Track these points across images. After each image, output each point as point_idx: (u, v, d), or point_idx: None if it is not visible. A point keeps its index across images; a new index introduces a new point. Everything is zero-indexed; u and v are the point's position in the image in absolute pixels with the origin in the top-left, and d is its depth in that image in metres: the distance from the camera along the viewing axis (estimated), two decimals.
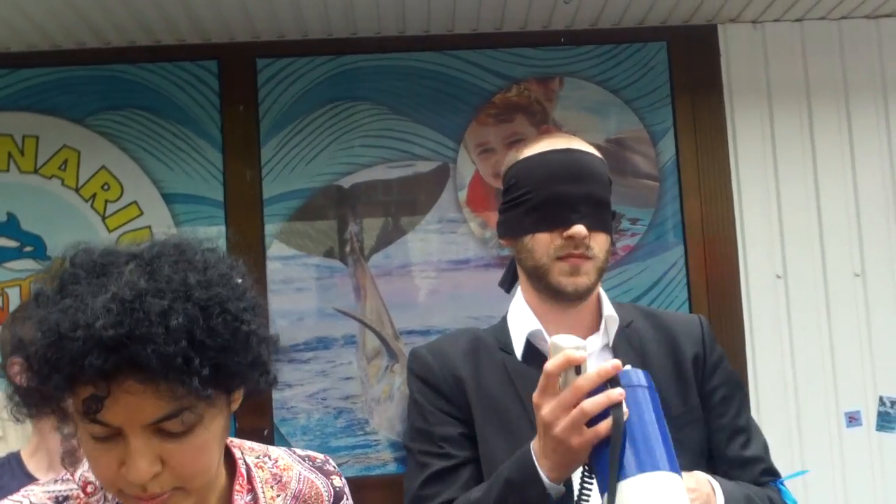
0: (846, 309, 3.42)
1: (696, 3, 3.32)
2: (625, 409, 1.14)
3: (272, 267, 3.34)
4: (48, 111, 3.35)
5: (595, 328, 1.54)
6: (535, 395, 1.23)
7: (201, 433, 1.00)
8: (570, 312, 1.52)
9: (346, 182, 3.41)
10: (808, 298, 3.42)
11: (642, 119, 3.48)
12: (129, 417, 0.95)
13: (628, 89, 3.49)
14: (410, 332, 3.35)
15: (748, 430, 1.54)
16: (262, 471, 1.21)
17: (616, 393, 1.15)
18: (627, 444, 1.13)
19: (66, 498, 1.09)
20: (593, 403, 1.16)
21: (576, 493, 1.20)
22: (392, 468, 3.30)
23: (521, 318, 1.55)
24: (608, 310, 1.54)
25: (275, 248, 3.36)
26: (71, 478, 1.11)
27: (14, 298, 3.25)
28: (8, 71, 3.35)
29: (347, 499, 1.28)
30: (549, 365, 1.20)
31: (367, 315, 3.36)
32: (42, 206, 3.31)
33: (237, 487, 1.15)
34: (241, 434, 1.28)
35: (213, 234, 3.24)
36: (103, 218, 3.34)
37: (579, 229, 1.45)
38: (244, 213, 3.35)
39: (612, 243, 1.56)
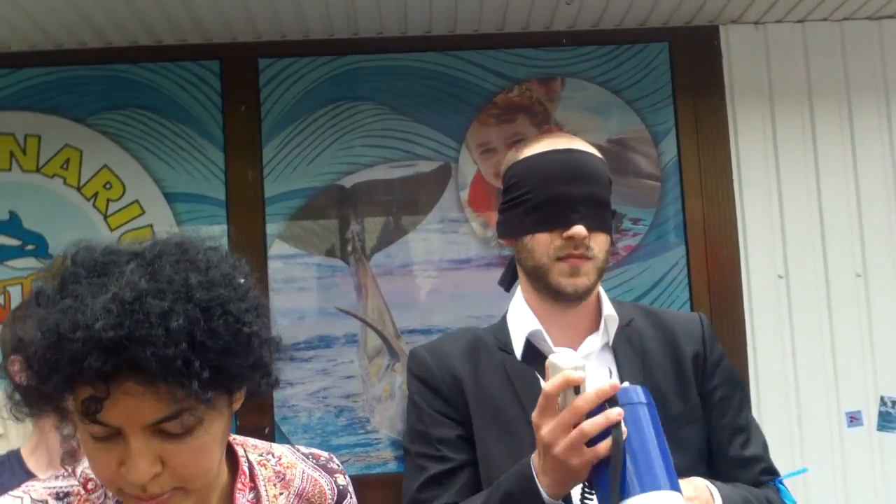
0: (848, 309, 3.41)
1: (697, 4, 3.32)
2: (623, 428, 1.14)
3: (274, 266, 3.35)
4: (50, 110, 3.35)
5: (595, 328, 1.54)
6: (534, 415, 1.23)
7: (201, 434, 0.98)
8: (570, 312, 1.52)
9: (347, 182, 3.41)
10: (810, 299, 3.41)
11: (644, 119, 3.48)
12: (129, 418, 0.94)
13: (630, 90, 3.49)
14: (412, 332, 3.35)
15: (748, 430, 1.53)
16: (266, 469, 1.19)
17: (615, 413, 1.15)
18: (628, 463, 1.13)
19: (67, 494, 1.08)
20: (593, 424, 1.15)
21: None
22: (393, 467, 3.30)
23: (521, 317, 1.55)
24: (608, 309, 1.54)
25: (276, 248, 3.37)
26: (72, 474, 1.10)
27: (16, 297, 3.25)
28: (10, 70, 3.35)
29: (351, 497, 1.27)
30: (548, 386, 1.20)
31: (368, 314, 3.36)
32: (44, 204, 3.32)
33: (239, 486, 1.14)
34: (241, 432, 1.27)
35: (215, 233, 3.24)
36: (105, 217, 3.35)
37: (579, 230, 1.45)
38: (246, 212, 3.35)
39: (612, 243, 1.55)
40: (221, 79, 3.40)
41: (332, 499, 1.24)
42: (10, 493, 1.09)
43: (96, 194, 3.35)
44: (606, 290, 1.58)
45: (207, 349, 0.93)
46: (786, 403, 3.36)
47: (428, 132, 3.44)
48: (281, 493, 1.18)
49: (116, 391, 0.92)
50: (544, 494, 1.24)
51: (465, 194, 3.43)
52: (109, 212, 3.35)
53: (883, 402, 3.36)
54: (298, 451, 1.27)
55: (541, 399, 1.21)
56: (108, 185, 3.35)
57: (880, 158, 3.49)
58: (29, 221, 3.31)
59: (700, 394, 1.52)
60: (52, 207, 3.32)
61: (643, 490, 1.11)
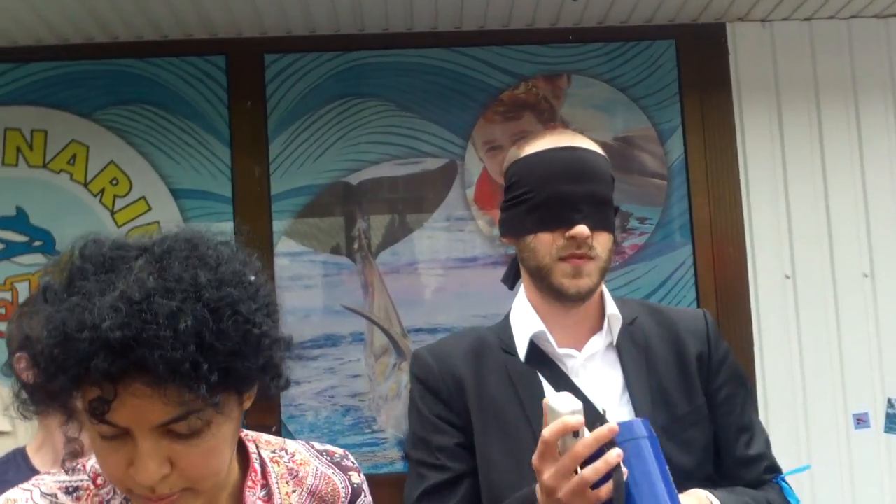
0: (855, 310, 3.40)
1: (704, 2, 3.31)
2: (624, 469, 1.16)
3: (280, 263, 3.34)
4: (56, 105, 3.35)
5: (598, 327, 1.53)
6: (534, 460, 1.23)
7: (210, 436, 0.97)
8: (573, 312, 1.51)
9: (353, 179, 3.40)
10: (817, 299, 3.40)
11: (650, 117, 3.47)
12: (137, 419, 0.93)
13: (636, 87, 3.48)
14: (418, 330, 3.34)
15: (752, 428, 1.53)
16: (278, 465, 1.18)
17: (614, 456, 1.15)
18: (634, 499, 1.16)
19: (77, 489, 1.07)
20: (594, 471, 1.16)
21: None
22: (399, 466, 3.29)
23: (524, 318, 1.53)
24: (611, 308, 1.53)
25: (283, 245, 3.36)
26: (82, 468, 1.09)
27: (23, 293, 3.25)
28: (16, 65, 3.35)
29: (366, 496, 1.25)
30: (547, 432, 1.19)
31: (374, 312, 3.36)
32: (51, 200, 3.32)
33: (249, 483, 1.13)
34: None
35: (225, 229, 3.24)
36: (112, 213, 3.35)
37: (581, 229, 1.43)
38: (252, 209, 3.35)
39: (615, 242, 1.54)
40: (227, 74, 3.40)
41: (346, 497, 1.21)
42: (21, 486, 1.08)
43: (103, 190, 3.35)
44: (612, 290, 1.57)
45: (216, 351, 0.91)
46: (792, 405, 3.35)
47: (434, 129, 3.43)
48: (294, 491, 1.17)
49: (124, 392, 0.91)
50: None
51: (471, 192, 3.42)
52: (116, 208, 3.35)
53: (890, 403, 3.35)
54: (313, 447, 1.25)
55: (540, 445, 1.21)
56: (114, 181, 3.35)
57: (887, 156, 3.47)
58: (36, 217, 3.31)
59: (705, 392, 1.51)
60: (59, 203, 3.32)
61: None
